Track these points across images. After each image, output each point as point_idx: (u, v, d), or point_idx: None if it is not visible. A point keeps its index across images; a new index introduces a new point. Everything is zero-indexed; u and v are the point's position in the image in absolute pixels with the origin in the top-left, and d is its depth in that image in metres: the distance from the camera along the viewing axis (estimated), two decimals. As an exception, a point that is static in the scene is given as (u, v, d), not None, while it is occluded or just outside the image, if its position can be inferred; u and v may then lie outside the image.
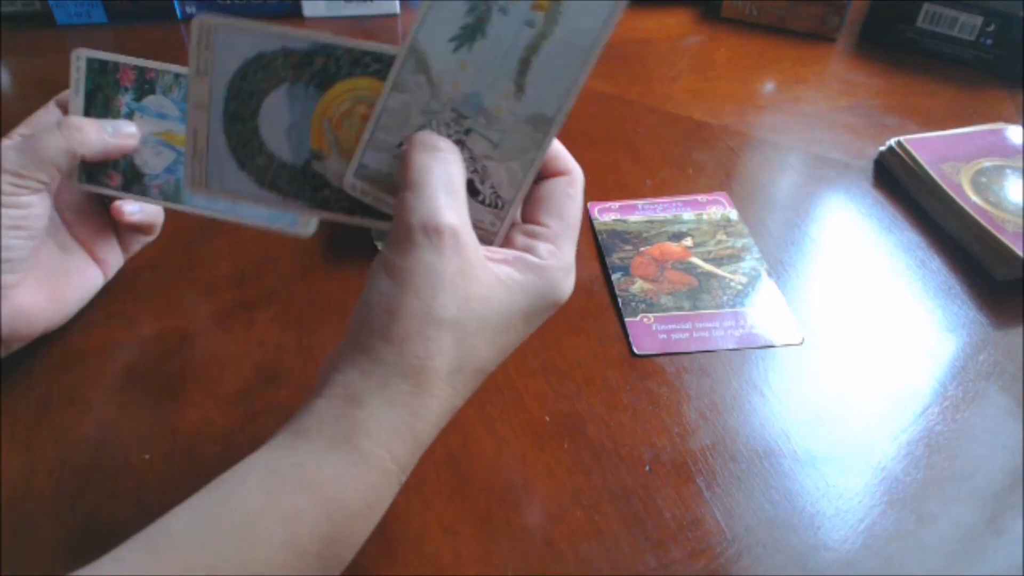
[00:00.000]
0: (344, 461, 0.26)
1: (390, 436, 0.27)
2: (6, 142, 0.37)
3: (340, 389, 0.27)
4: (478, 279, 0.28)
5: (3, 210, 0.35)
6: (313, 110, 0.32)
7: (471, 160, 0.30)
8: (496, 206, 0.31)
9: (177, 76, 0.39)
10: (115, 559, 0.24)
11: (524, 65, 0.28)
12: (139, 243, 0.45)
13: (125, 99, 0.39)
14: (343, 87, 0.31)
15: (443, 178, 0.28)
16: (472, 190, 0.30)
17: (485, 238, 0.31)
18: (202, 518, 0.26)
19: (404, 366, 0.27)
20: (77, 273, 0.42)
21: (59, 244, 0.41)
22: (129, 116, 0.39)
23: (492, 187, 0.30)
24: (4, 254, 0.36)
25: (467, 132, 0.29)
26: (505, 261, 0.29)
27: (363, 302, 0.28)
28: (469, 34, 0.28)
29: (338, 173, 0.32)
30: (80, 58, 0.39)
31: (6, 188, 0.35)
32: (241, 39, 0.31)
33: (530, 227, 0.31)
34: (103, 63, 0.39)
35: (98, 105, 0.39)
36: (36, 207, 0.37)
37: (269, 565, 0.25)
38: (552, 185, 0.31)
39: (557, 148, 0.32)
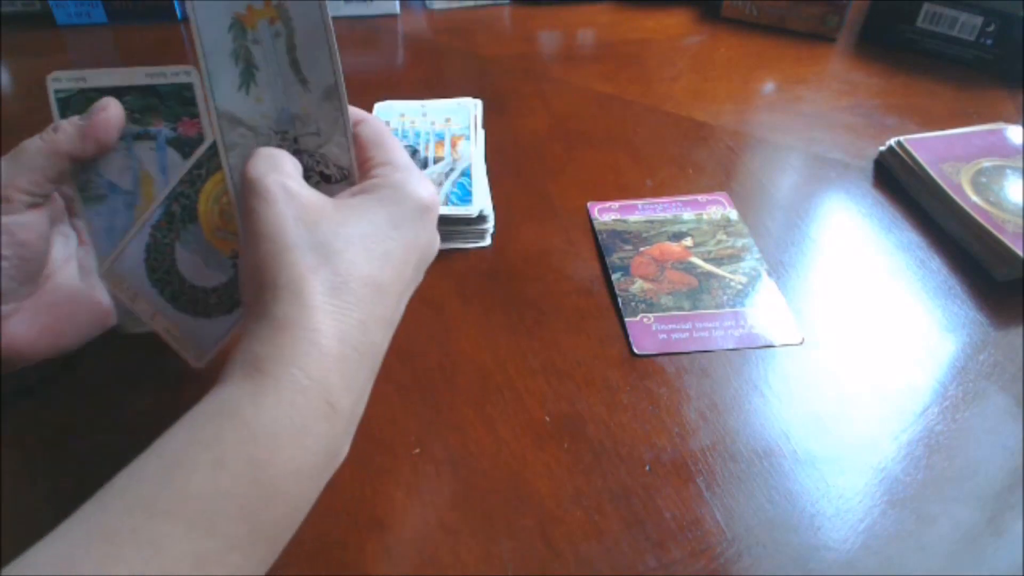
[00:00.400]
0: (255, 388, 0.27)
1: (288, 353, 0.28)
2: None
3: (242, 345, 0.29)
4: (323, 212, 0.30)
5: None
6: (203, 237, 0.37)
7: (311, 157, 0.35)
8: (346, 177, 0.35)
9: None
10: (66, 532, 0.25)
11: (295, 64, 0.33)
12: None
13: None
14: (203, 201, 0.37)
15: (267, 160, 0.32)
16: (325, 177, 0.35)
17: None
18: (136, 468, 0.26)
19: (281, 295, 0.28)
20: (87, 309, 0.38)
21: (83, 272, 0.38)
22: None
23: (335, 165, 0.35)
24: None
25: (295, 140, 0.34)
26: (351, 195, 0.32)
27: (238, 280, 0.31)
28: (247, 75, 0.33)
29: None
30: (52, 87, 0.36)
31: None
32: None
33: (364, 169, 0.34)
34: (68, 98, 0.36)
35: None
36: (25, 230, 0.33)
37: (202, 490, 0.25)
38: (361, 130, 0.35)
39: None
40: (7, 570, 0.24)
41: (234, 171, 0.34)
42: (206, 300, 0.38)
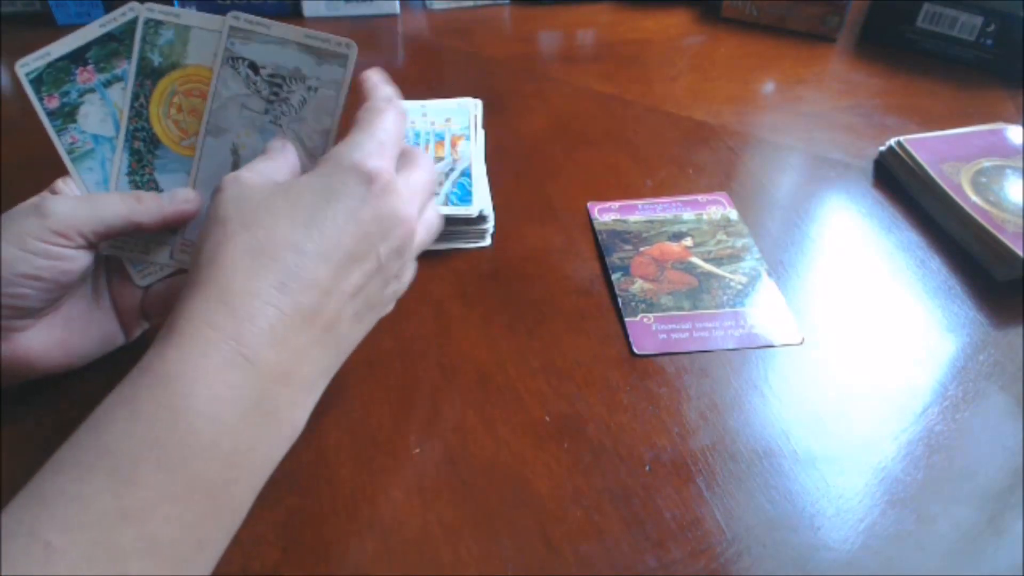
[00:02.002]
0: (166, 344, 0.28)
1: (198, 310, 0.28)
2: (54, 196, 0.37)
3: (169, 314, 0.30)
4: (260, 190, 0.32)
5: (29, 257, 0.34)
6: (173, 152, 0.40)
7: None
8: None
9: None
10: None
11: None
12: (163, 311, 0.41)
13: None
14: (156, 123, 0.40)
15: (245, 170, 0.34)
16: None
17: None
18: (70, 438, 0.27)
19: (201, 262, 0.30)
20: (98, 329, 0.39)
21: (94, 296, 0.39)
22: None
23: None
24: (16, 302, 0.34)
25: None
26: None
27: None
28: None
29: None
30: (22, 72, 0.39)
31: (47, 237, 0.34)
32: None
33: None
34: (39, 76, 0.39)
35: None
36: (71, 263, 0.35)
37: (119, 442, 0.26)
38: (358, 113, 0.35)
39: (372, 83, 0.37)
40: None
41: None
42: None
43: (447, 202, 0.49)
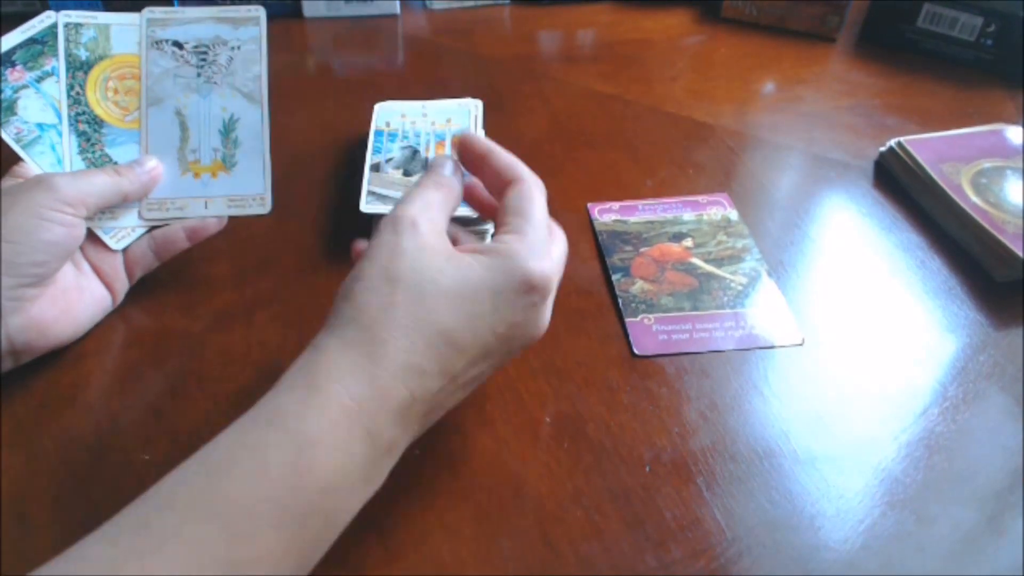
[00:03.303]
0: (302, 396, 0.28)
1: (344, 373, 0.28)
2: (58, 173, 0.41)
3: (304, 354, 0.30)
4: (435, 252, 0.31)
5: (48, 225, 0.37)
6: (120, 127, 0.44)
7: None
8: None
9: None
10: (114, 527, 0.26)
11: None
12: (142, 269, 0.45)
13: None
14: (96, 106, 0.44)
15: (423, 193, 0.34)
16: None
17: None
18: (182, 471, 0.27)
19: (359, 316, 0.30)
20: (89, 292, 0.42)
21: (75, 263, 0.42)
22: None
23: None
24: (36, 269, 0.37)
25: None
26: (472, 251, 0.32)
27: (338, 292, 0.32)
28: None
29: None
30: None
31: (59, 207, 0.37)
32: None
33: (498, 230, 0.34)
34: None
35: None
36: (79, 230, 0.39)
37: (244, 496, 0.26)
38: (510, 193, 0.35)
39: (509, 160, 0.36)
40: (49, 567, 0.24)
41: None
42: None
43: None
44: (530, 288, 0.31)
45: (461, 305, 0.30)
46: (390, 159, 0.51)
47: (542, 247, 0.33)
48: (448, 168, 0.36)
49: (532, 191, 0.35)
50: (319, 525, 0.28)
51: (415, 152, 0.53)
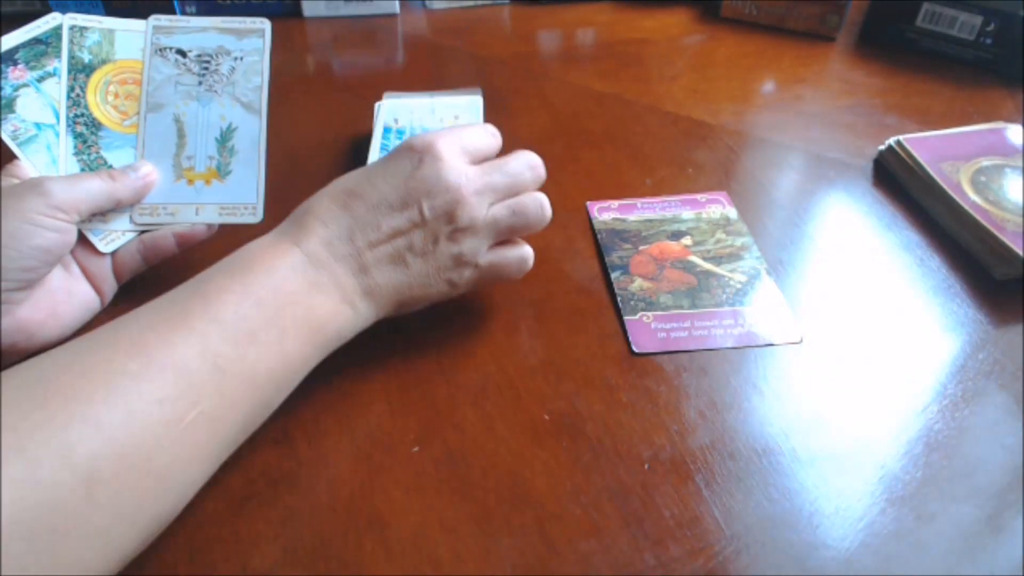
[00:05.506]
0: (225, 265, 0.36)
1: (269, 241, 0.37)
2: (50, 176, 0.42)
3: None
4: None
5: (40, 231, 0.37)
6: (118, 132, 0.44)
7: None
8: None
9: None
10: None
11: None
12: (129, 272, 0.45)
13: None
14: (96, 109, 0.44)
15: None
16: None
17: None
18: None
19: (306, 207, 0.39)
20: (77, 294, 0.43)
21: (64, 265, 0.42)
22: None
23: None
24: (26, 275, 0.38)
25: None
26: None
27: None
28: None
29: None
30: None
31: (51, 212, 0.38)
32: None
33: None
34: None
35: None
36: (69, 235, 0.39)
37: (220, 313, 0.33)
38: None
39: None
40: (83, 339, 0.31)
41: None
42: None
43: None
44: (409, 148, 0.39)
45: (359, 172, 0.39)
46: None
47: (438, 135, 0.39)
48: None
49: (472, 123, 0.43)
50: (296, 313, 0.35)
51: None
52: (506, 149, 0.59)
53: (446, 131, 0.40)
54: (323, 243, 0.37)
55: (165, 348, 0.31)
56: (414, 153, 0.39)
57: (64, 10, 0.72)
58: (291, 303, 0.35)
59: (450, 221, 0.38)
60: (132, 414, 0.29)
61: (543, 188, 0.43)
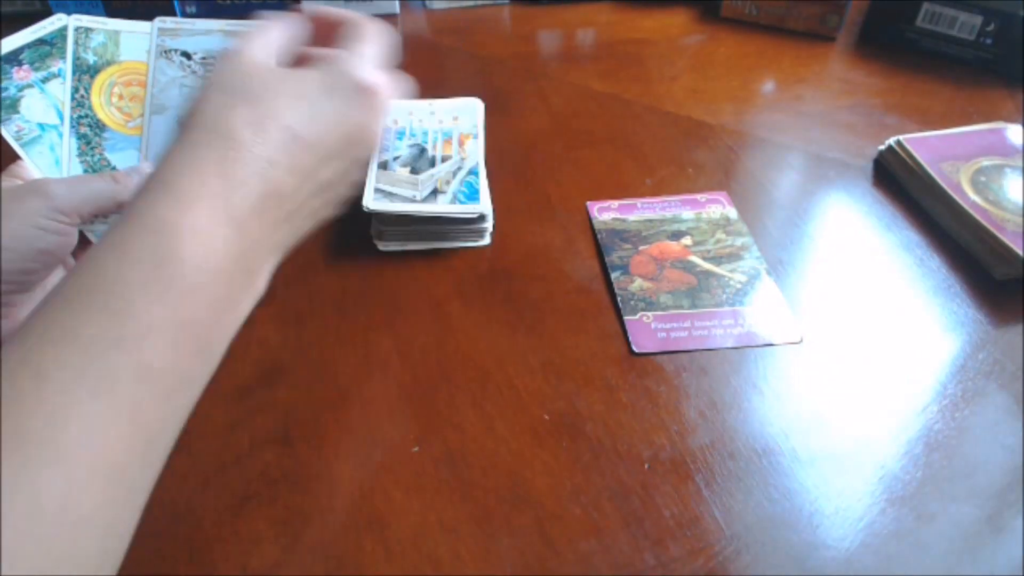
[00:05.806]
0: (175, 201, 0.29)
1: (195, 170, 0.30)
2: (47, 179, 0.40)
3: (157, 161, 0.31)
4: (262, 69, 0.33)
5: (43, 234, 0.37)
6: (121, 134, 0.44)
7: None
8: None
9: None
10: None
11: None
12: None
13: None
14: (100, 110, 0.44)
15: (253, 33, 0.36)
16: None
17: None
18: (64, 283, 0.28)
19: (203, 121, 0.31)
20: None
21: (65, 266, 0.42)
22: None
23: None
24: (26, 277, 0.37)
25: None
26: (307, 67, 0.34)
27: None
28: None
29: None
30: None
31: (54, 215, 0.37)
32: None
33: None
34: None
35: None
36: (71, 238, 0.39)
37: (121, 289, 0.27)
38: (344, 28, 0.38)
39: (348, 13, 0.39)
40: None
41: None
42: None
43: (455, 200, 0.49)
44: (360, 89, 0.34)
45: (299, 104, 0.32)
46: (397, 157, 0.51)
47: (371, 60, 0.36)
48: (275, 17, 0.37)
49: (363, 24, 0.38)
50: (201, 306, 0.28)
51: (422, 150, 0.53)
52: (507, 149, 0.59)
53: (373, 51, 0.37)
54: (263, 195, 0.32)
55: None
56: (368, 95, 0.35)
57: (63, 10, 0.73)
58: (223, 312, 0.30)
59: (360, 168, 0.37)
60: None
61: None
